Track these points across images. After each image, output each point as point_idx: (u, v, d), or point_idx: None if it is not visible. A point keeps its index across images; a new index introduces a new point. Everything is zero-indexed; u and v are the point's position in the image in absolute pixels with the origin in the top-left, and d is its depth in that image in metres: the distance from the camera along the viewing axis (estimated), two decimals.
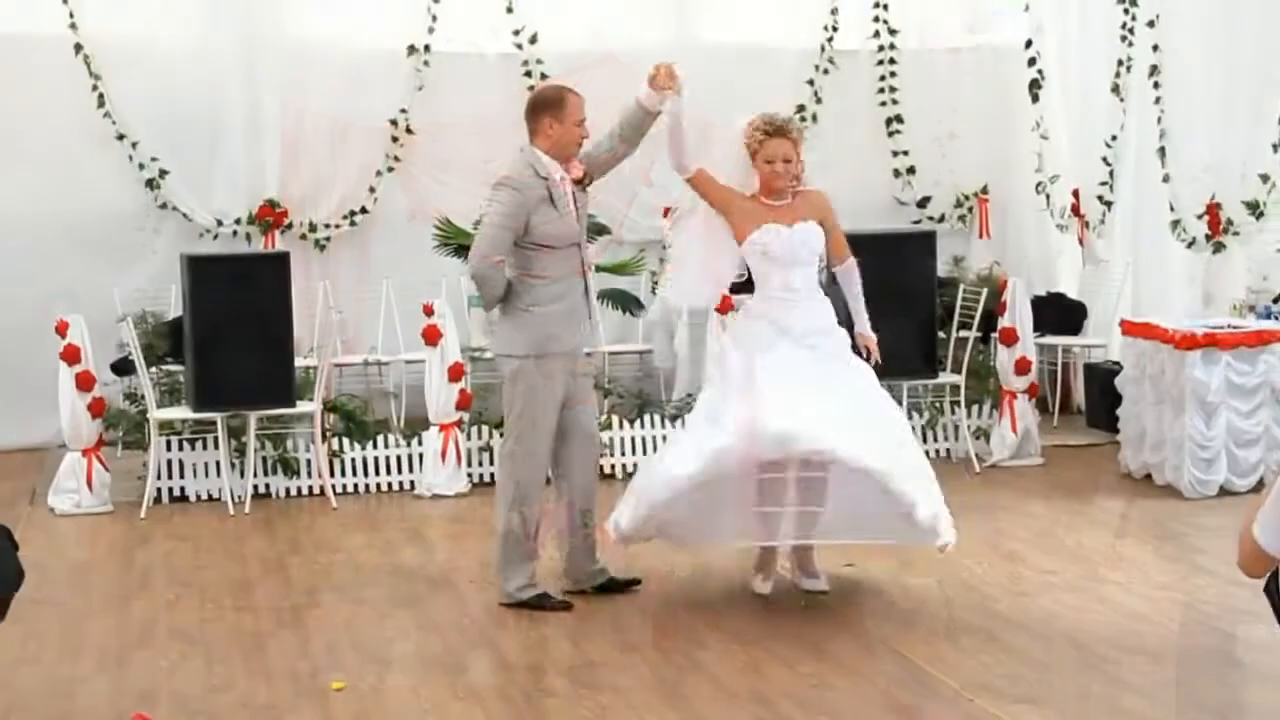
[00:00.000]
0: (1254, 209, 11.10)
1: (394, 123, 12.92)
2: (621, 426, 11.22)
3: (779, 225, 7.95)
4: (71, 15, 12.39)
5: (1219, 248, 11.42)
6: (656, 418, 11.27)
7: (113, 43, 12.48)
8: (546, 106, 7.98)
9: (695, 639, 7.50)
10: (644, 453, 11.07)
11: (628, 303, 12.02)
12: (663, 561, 8.64)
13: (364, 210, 12.96)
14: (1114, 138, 12.51)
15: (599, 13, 13.17)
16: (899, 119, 13.78)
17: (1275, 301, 10.69)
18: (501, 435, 10.79)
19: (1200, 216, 11.53)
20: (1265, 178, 10.96)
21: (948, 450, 11.59)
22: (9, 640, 7.30)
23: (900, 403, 11.28)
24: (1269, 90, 10.89)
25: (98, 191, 12.57)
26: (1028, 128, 13.45)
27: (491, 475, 10.95)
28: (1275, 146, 10.88)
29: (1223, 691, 6.70)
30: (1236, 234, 11.28)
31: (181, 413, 10.54)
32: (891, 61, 13.76)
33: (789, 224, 7.96)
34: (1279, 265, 10.86)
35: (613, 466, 11.11)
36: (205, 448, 10.67)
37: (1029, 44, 13.31)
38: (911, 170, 13.80)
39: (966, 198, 13.91)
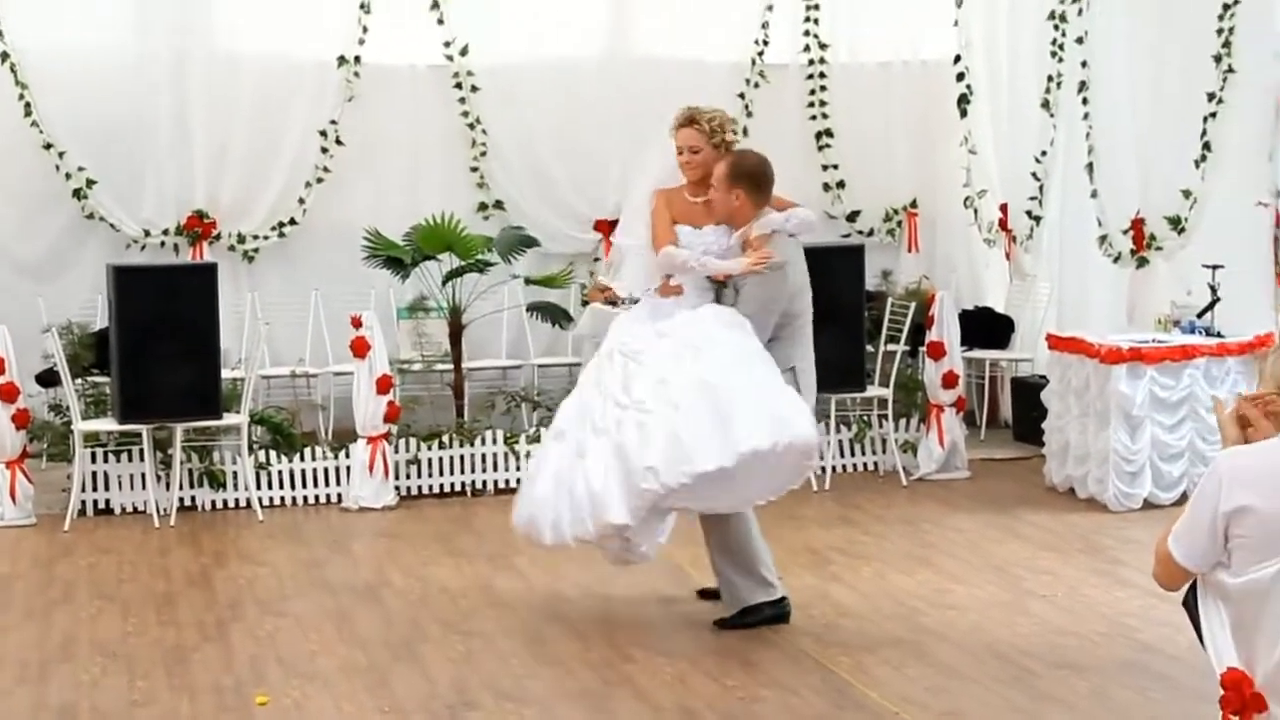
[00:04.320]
0: (1176, 224, 11.18)
1: (324, 134, 12.85)
2: None
3: (689, 226, 7.96)
4: None
5: (1143, 263, 11.51)
6: None
7: (40, 51, 12.32)
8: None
9: (621, 652, 7.50)
10: None
11: (557, 315, 12.00)
12: (591, 574, 8.65)
13: (293, 222, 12.88)
14: (1044, 153, 12.59)
15: (531, 25, 13.12)
16: (829, 133, 13.82)
17: (1199, 316, 10.77)
18: (437, 445, 10.86)
19: (1125, 232, 11.61)
20: (1187, 193, 11.05)
21: (875, 464, 11.63)
22: None
23: (829, 415, 11.35)
24: (1192, 107, 10.98)
25: (24, 201, 12.45)
26: (956, 142, 13.55)
27: (419, 488, 10.95)
28: (1197, 163, 10.96)
29: (1145, 704, 6.74)
30: (1160, 249, 11.37)
31: (107, 425, 10.46)
32: (821, 75, 13.80)
33: (699, 226, 7.97)
34: (1202, 280, 10.93)
35: None
36: (131, 460, 10.58)
37: (958, 59, 13.41)
38: (841, 184, 13.84)
39: (895, 211, 13.96)
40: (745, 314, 7.74)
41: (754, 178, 7.89)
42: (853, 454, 11.64)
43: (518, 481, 10.93)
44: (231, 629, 7.99)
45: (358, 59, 12.87)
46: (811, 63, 13.78)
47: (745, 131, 13.47)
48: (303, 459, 10.92)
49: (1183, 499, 10.03)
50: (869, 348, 11.48)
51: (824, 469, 11.24)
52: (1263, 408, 4.88)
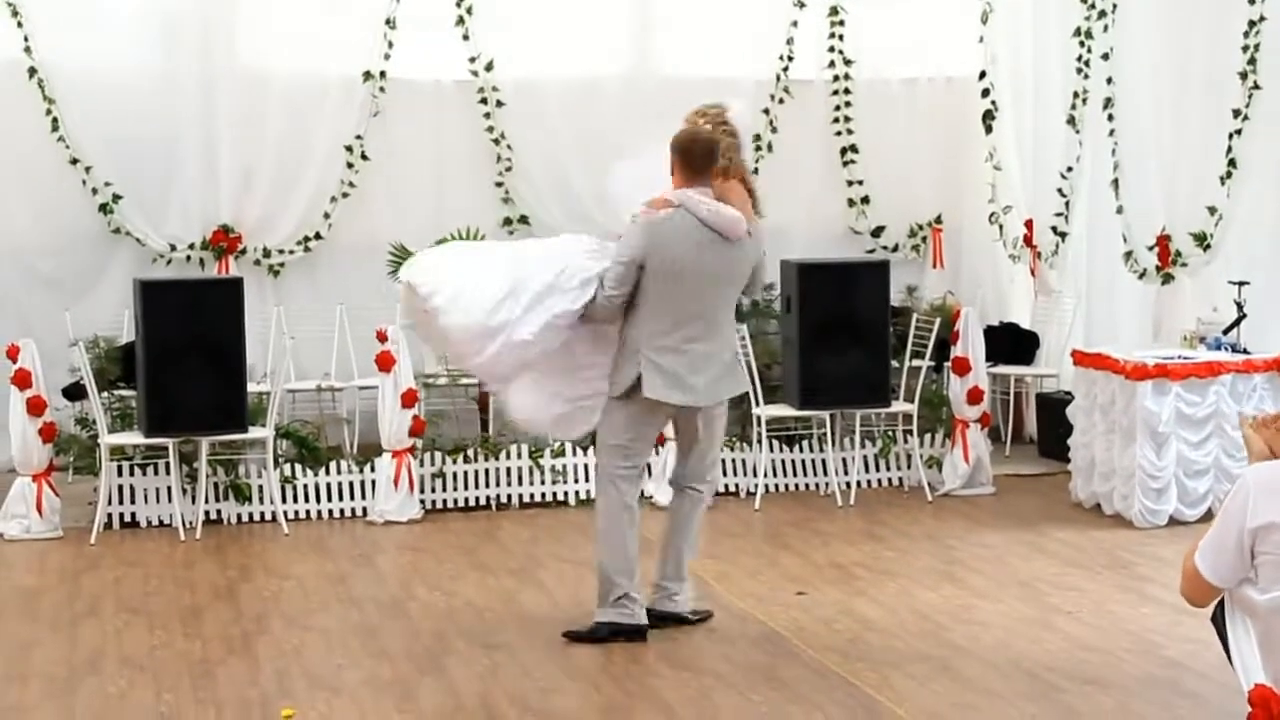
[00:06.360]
0: (1201, 241, 11.17)
1: (349, 149, 12.89)
2: (575, 453, 11.21)
3: None
4: (26, 39, 12.33)
5: (1168, 279, 11.50)
6: None
7: (67, 67, 12.40)
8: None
9: (647, 666, 7.50)
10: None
11: None
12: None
13: (318, 236, 12.92)
14: (1069, 169, 12.57)
15: (556, 41, 13.14)
16: (854, 149, 13.81)
17: (1225, 332, 10.76)
18: (462, 459, 10.87)
19: (1151, 248, 11.60)
20: (1212, 210, 11.04)
21: (900, 479, 11.62)
22: None
23: (853, 431, 11.35)
24: (1217, 123, 10.98)
25: (51, 216, 12.50)
26: (981, 159, 13.54)
27: (444, 502, 10.97)
28: (1223, 179, 10.96)
29: None
30: (1185, 265, 11.36)
31: (133, 438, 10.50)
32: (846, 92, 13.79)
33: None
34: (1228, 297, 10.92)
35: (565, 494, 11.14)
36: (157, 473, 10.61)
37: (983, 75, 13.41)
38: (866, 200, 13.84)
39: (920, 227, 13.96)
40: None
41: (681, 149, 7.93)
42: (877, 469, 11.63)
43: (543, 495, 11.03)
44: (257, 642, 8.01)
45: (383, 74, 12.92)
46: (836, 79, 13.78)
47: (771, 147, 13.57)
48: (328, 473, 10.95)
49: (1208, 515, 10.02)
50: (894, 363, 11.48)
51: (849, 484, 11.25)
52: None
